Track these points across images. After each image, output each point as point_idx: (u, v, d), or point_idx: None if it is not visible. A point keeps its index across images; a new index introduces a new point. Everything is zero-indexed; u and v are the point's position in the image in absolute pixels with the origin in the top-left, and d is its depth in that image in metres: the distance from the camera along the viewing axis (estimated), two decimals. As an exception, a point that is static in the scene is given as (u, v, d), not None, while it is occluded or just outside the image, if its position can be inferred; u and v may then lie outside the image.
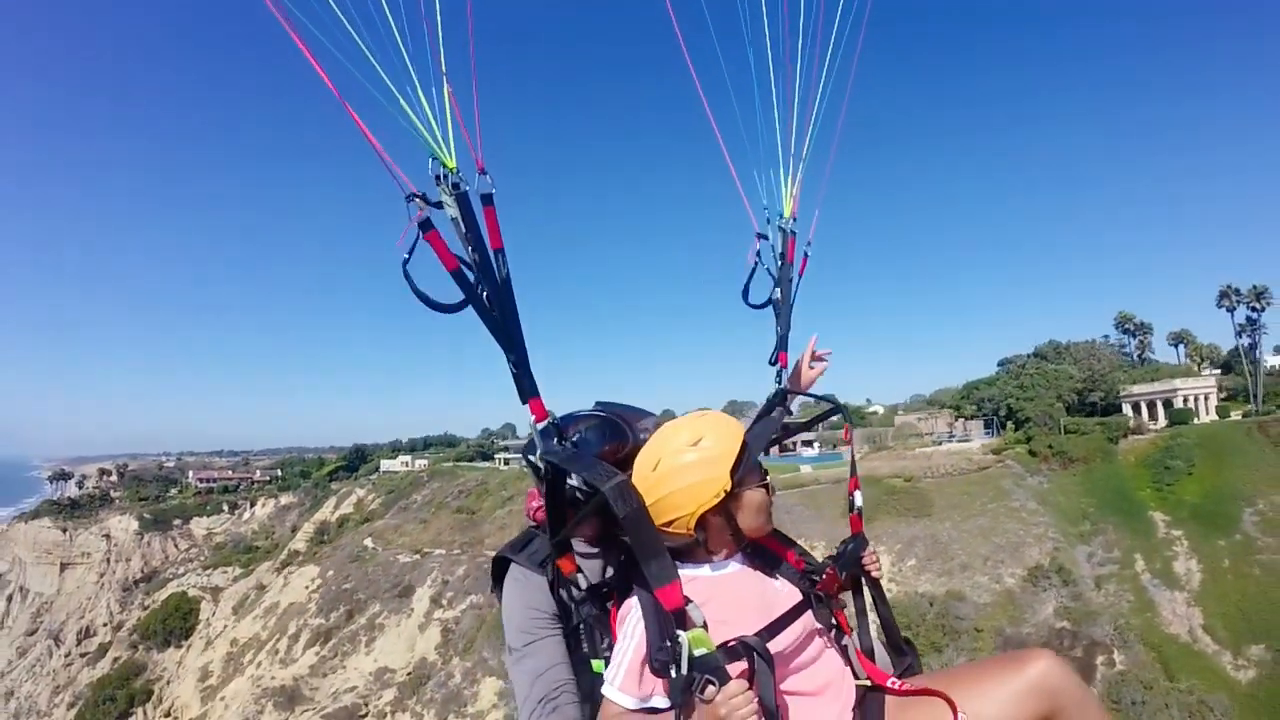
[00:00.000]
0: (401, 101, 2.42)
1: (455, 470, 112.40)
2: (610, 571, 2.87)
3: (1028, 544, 61.55)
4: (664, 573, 2.34)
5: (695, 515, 2.54)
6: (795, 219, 3.80)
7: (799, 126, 3.61)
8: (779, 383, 3.69)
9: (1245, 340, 75.83)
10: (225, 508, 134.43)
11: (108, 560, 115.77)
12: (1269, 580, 55.26)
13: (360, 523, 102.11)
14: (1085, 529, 62.71)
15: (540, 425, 2.61)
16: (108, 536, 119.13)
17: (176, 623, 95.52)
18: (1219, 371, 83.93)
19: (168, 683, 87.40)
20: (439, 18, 2.45)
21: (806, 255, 3.84)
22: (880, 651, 3.09)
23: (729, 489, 2.55)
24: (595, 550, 2.91)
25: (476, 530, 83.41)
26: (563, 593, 2.82)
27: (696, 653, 2.26)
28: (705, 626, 2.31)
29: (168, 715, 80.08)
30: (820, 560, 3.01)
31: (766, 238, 3.78)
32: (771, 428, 3.08)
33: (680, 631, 2.30)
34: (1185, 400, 71.61)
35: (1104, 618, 54.14)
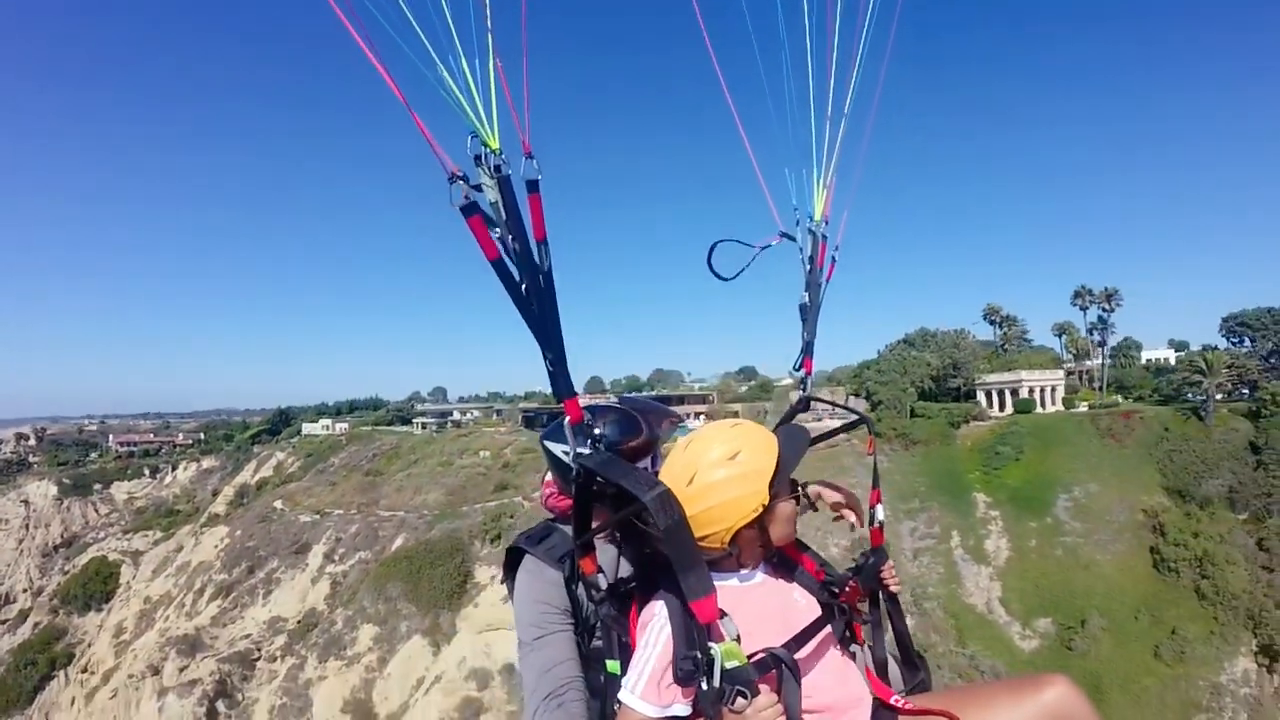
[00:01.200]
0: (443, 70, 2.26)
1: (373, 434, 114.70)
2: (628, 569, 2.85)
3: None
4: (701, 585, 2.31)
5: (732, 530, 2.49)
6: (827, 221, 3.64)
7: (834, 123, 3.42)
8: (803, 390, 3.69)
9: (1096, 337, 79.08)
10: (147, 472, 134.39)
11: (26, 526, 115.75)
12: (1068, 560, 58.63)
13: (278, 485, 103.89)
14: (914, 506, 65.51)
15: (575, 426, 2.54)
16: (26, 502, 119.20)
17: (97, 587, 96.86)
18: (1098, 363, 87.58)
19: (89, 645, 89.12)
20: None
21: (834, 260, 3.68)
22: (893, 666, 3.05)
23: (766, 504, 2.51)
24: (614, 547, 2.89)
25: (375, 492, 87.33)
26: (581, 592, 2.79)
27: (728, 665, 2.27)
28: (738, 639, 2.32)
29: (84, 671, 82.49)
30: (841, 572, 2.99)
31: (794, 239, 3.60)
32: (804, 437, 2.86)
33: (712, 644, 2.30)
34: (1031, 391, 74.82)
35: (907, 586, 56.82)
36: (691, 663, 2.30)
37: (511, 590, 3.03)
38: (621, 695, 2.47)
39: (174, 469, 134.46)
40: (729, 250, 3.36)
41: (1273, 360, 75.64)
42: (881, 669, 2.94)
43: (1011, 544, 60.76)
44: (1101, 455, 64.90)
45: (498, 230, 2.41)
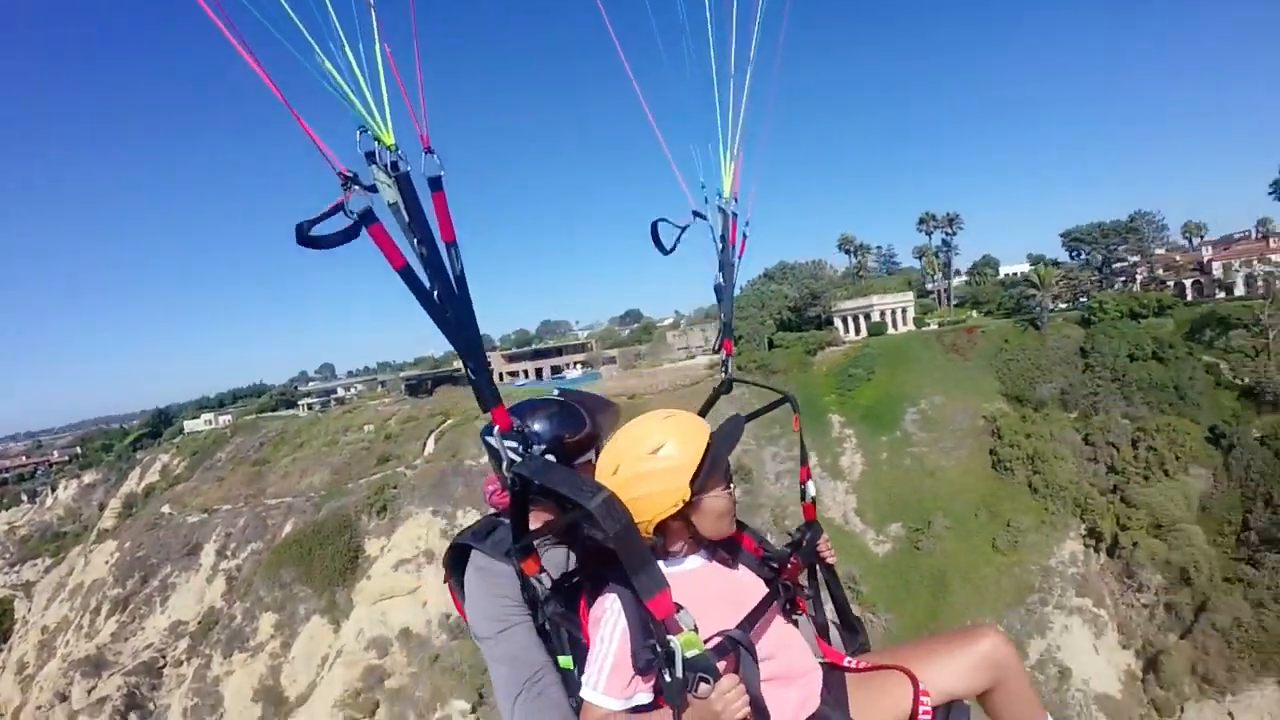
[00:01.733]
0: (323, 59, 2.05)
1: (257, 423, 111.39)
2: (573, 562, 2.84)
3: None
4: (654, 583, 2.33)
5: (653, 523, 2.52)
6: (736, 199, 3.63)
7: (736, 99, 3.37)
8: (725, 371, 3.76)
9: (942, 259, 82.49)
10: (25, 497, 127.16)
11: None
12: (916, 469, 61.46)
13: (166, 489, 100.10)
14: (775, 433, 67.10)
15: (506, 434, 2.46)
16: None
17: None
18: (960, 281, 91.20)
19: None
20: None
21: (745, 236, 3.68)
22: (833, 631, 3.18)
23: (688, 499, 2.52)
24: (557, 542, 2.86)
25: (262, 481, 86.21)
26: (526, 593, 2.76)
27: (689, 654, 2.28)
28: (695, 629, 2.34)
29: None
30: (779, 548, 3.09)
31: (705, 218, 3.61)
32: (738, 432, 2.85)
33: (671, 637, 2.31)
34: (883, 314, 77.75)
35: (767, 507, 58.41)
36: (650, 653, 2.33)
37: (457, 591, 3.01)
38: (584, 693, 2.48)
39: (53, 490, 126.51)
40: (661, 227, 3.42)
41: (1104, 271, 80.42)
42: (824, 635, 3.09)
43: (865, 459, 63.36)
44: (946, 369, 68.18)
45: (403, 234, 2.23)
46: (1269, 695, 45.65)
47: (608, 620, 2.50)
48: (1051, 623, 51.28)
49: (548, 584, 2.70)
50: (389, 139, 2.15)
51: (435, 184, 2.28)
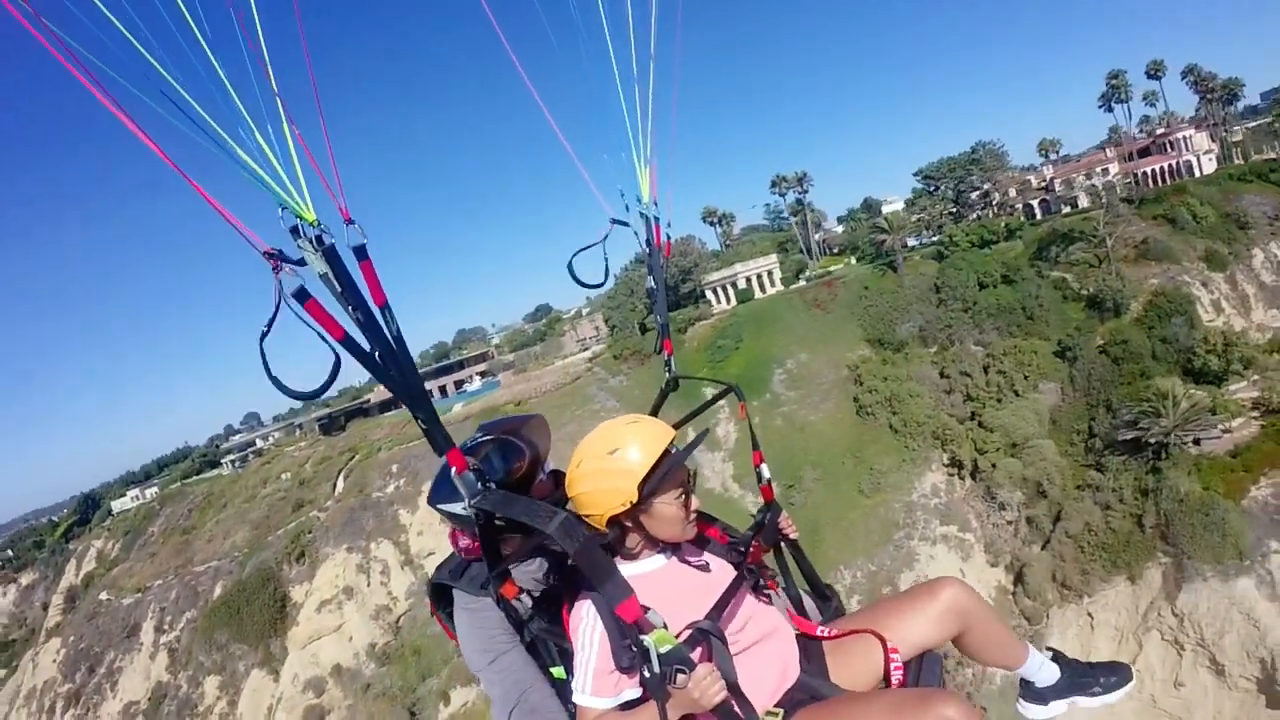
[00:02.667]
0: (235, 147, 2.10)
1: (183, 490, 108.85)
2: (543, 573, 2.99)
3: None
4: (619, 591, 2.50)
5: (603, 518, 2.66)
6: (656, 203, 3.69)
7: (643, 106, 3.42)
8: (668, 370, 3.89)
9: (798, 219, 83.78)
10: None
11: None
12: (786, 427, 62.61)
13: (104, 574, 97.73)
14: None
15: (462, 476, 2.55)
16: None
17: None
18: (836, 231, 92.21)
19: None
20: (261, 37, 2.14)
21: (669, 238, 3.77)
22: (807, 600, 3.32)
23: (635, 501, 2.63)
24: (531, 560, 2.99)
25: (189, 550, 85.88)
26: (510, 617, 2.91)
27: (662, 650, 2.44)
28: (665, 625, 2.49)
29: None
30: (743, 532, 3.22)
31: (626, 224, 3.70)
32: (696, 444, 2.84)
33: (644, 636, 2.45)
34: (749, 280, 78.70)
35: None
36: (628, 652, 2.50)
37: (446, 622, 3.18)
38: (575, 699, 2.65)
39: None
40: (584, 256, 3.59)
41: (959, 203, 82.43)
42: (799, 606, 3.24)
43: (738, 426, 64.22)
44: (810, 325, 69.55)
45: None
46: (1122, 591, 47.77)
47: (585, 626, 2.64)
48: (918, 554, 53.00)
49: (529, 603, 2.91)
50: (310, 215, 2.23)
51: (360, 253, 2.38)
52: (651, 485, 2.65)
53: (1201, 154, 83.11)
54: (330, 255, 2.24)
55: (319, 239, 2.23)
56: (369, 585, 69.01)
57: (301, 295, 2.18)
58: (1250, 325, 66.49)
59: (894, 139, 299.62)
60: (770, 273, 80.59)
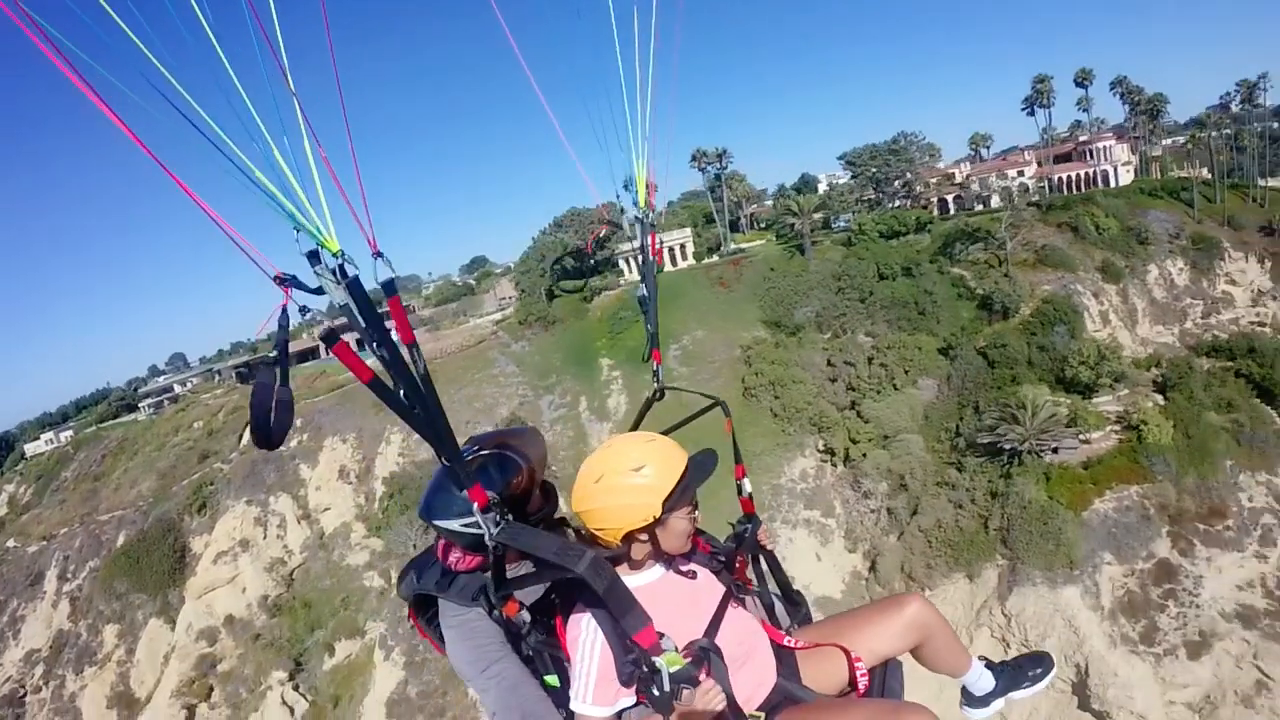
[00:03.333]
0: (257, 173, 1.98)
1: (98, 434, 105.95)
2: (528, 588, 2.99)
3: (501, 403, 67.11)
4: (639, 620, 2.65)
5: (622, 531, 2.77)
6: (653, 210, 3.73)
7: (643, 114, 3.47)
8: (656, 380, 4.01)
9: (714, 195, 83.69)
10: None
11: None
12: (673, 404, 62.59)
13: (16, 519, 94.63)
14: (551, 381, 67.92)
15: (484, 510, 2.59)
16: None
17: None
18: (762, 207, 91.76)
19: None
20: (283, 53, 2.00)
21: (662, 244, 4.64)
22: (778, 605, 3.50)
23: (658, 516, 2.77)
24: (524, 571, 3.01)
25: (96, 499, 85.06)
26: (501, 627, 2.96)
27: (672, 670, 2.60)
28: (676, 649, 2.68)
29: None
30: (724, 544, 3.43)
31: (620, 227, 3.97)
32: (712, 464, 3.02)
33: (656, 658, 2.61)
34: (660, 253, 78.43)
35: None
36: (634, 667, 2.65)
37: (428, 630, 3.25)
38: (574, 706, 2.76)
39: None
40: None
41: (879, 190, 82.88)
42: (770, 611, 3.43)
43: (629, 398, 64.78)
44: (712, 303, 69.93)
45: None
46: (960, 588, 49.69)
47: (585, 638, 2.76)
48: (778, 536, 54.12)
49: (527, 618, 2.92)
50: (335, 245, 2.11)
51: (389, 288, 2.34)
52: (672, 502, 2.81)
53: (1120, 165, 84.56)
54: (354, 287, 2.15)
55: (341, 269, 2.14)
56: (265, 538, 69.36)
57: (330, 339, 2.13)
58: (1135, 339, 68.60)
59: (845, 114, 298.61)
60: (683, 246, 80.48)
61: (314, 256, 2.11)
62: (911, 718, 2.72)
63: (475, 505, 2.60)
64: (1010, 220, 67.88)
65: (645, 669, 2.65)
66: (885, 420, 57.35)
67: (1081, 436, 54.31)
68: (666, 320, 66.19)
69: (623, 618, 2.66)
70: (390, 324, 2.33)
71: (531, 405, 66.35)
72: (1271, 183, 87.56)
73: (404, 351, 2.36)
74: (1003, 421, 51.95)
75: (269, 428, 2.17)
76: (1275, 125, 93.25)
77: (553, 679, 2.94)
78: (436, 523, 3.01)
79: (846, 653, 3.16)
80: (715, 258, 79.35)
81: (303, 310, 2.11)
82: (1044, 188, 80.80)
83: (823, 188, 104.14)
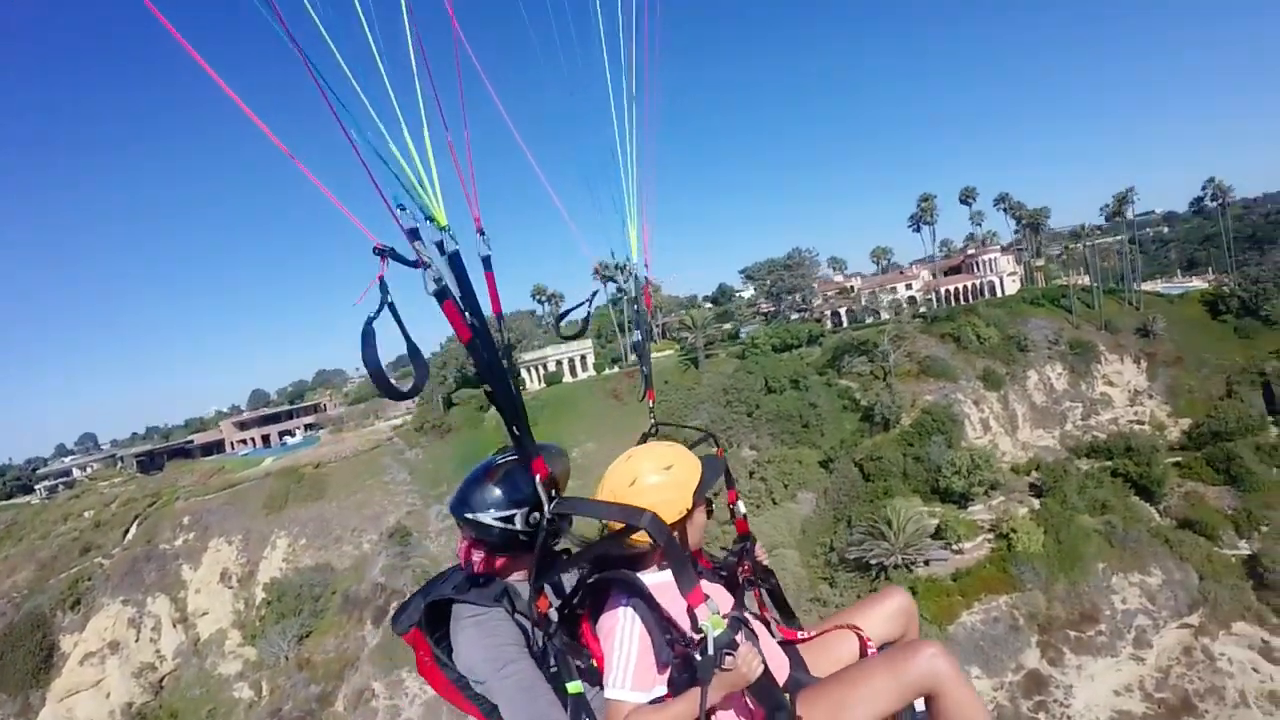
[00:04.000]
0: (391, 146, 2.20)
1: None
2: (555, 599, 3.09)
3: (389, 511, 66.64)
4: (691, 579, 2.74)
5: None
6: (647, 265, 4.08)
7: (638, 172, 3.77)
8: (652, 417, 4.17)
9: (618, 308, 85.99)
10: None
11: None
12: (664, 433, 63.19)
13: None
14: (442, 490, 67.74)
15: (545, 481, 2.77)
16: None
17: None
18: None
19: None
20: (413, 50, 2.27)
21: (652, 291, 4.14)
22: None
23: (690, 509, 3.07)
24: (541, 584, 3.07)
25: None
26: (537, 630, 2.94)
27: (716, 634, 2.69)
28: (718, 612, 2.75)
29: None
30: (723, 558, 3.68)
31: (615, 280, 4.25)
32: (721, 467, 3.38)
33: (702, 620, 2.71)
34: (559, 363, 79.92)
35: (419, 567, 59.28)
36: (668, 648, 2.81)
37: (433, 645, 3.11)
38: (609, 694, 2.82)
39: None
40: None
41: (778, 302, 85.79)
42: (780, 611, 3.68)
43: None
44: (604, 414, 70.79)
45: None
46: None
47: (623, 627, 2.88)
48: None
49: (555, 616, 2.99)
50: (443, 220, 2.31)
51: (486, 263, 2.69)
52: (698, 497, 3.09)
53: (1005, 275, 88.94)
54: (455, 260, 2.35)
55: (440, 244, 2.33)
56: (137, 641, 66.37)
57: (442, 295, 2.31)
58: (1015, 444, 70.75)
59: (765, 228, 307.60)
60: (584, 357, 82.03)
61: (413, 234, 2.30)
62: (925, 648, 3.03)
63: (538, 476, 2.79)
64: (894, 333, 70.56)
65: (685, 644, 2.79)
66: (763, 535, 57.28)
67: (954, 547, 55.25)
68: (559, 430, 66.82)
69: (679, 573, 2.78)
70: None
71: (420, 515, 65.97)
72: (1146, 286, 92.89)
73: (493, 323, 2.67)
74: (870, 536, 52.73)
75: (393, 389, 2.47)
76: (1149, 232, 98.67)
77: (576, 686, 2.90)
78: (469, 516, 3.11)
79: (857, 630, 3.42)
80: (615, 369, 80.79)
81: (383, 289, 2.26)
82: (931, 300, 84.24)
83: (748, 297, 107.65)
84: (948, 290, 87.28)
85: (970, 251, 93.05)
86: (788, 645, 3.48)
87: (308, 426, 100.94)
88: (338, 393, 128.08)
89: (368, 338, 2.23)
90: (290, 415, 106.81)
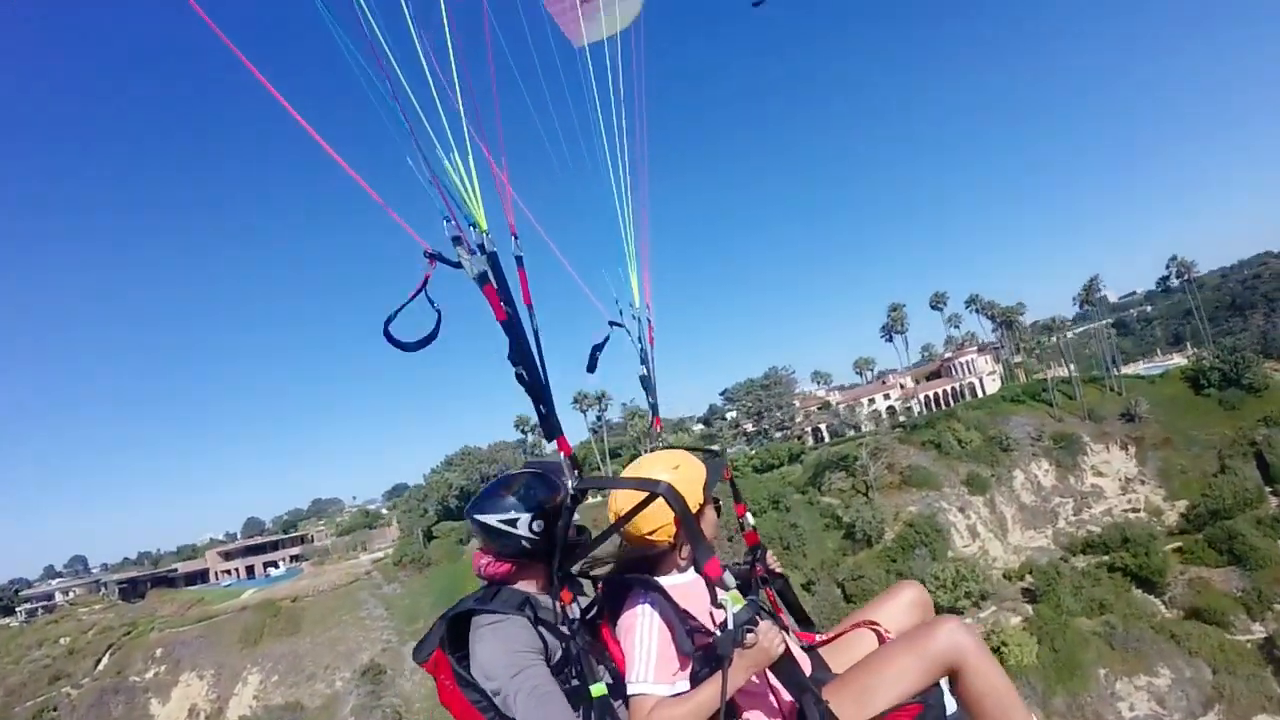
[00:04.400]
0: (446, 163, 2.62)
1: None
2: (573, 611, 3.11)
3: (363, 648, 67.77)
4: (707, 551, 2.89)
5: (673, 527, 3.02)
6: (649, 306, 4.41)
7: (637, 227, 4.25)
8: (659, 445, 4.11)
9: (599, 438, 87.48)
10: None
11: None
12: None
13: None
14: (419, 627, 67.49)
15: (569, 459, 2.94)
16: None
17: None
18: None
19: None
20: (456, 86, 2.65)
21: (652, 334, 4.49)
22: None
23: (702, 503, 3.12)
24: (534, 620, 3.11)
25: None
26: (561, 626, 3.06)
27: (735, 609, 2.78)
28: (738, 588, 2.86)
29: None
30: (738, 566, 3.72)
31: (623, 325, 4.30)
32: (722, 464, 3.45)
33: (722, 594, 2.81)
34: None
35: (390, 707, 58.40)
36: (688, 640, 2.90)
37: (460, 659, 3.11)
38: (633, 688, 2.87)
39: None
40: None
41: (758, 421, 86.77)
42: (796, 617, 3.79)
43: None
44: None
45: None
46: None
47: (642, 622, 2.95)
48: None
49: (577, 612, 3.09)
50: (484, 225, 2.74)
51: (519, 262, 3.02)
52: (707, 492, 3.21)
53: (985, 375, 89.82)
54: (494, 260, 2.76)
55: (482, 246, 2.76)
56: None
57: (483, 279, 2.74)
58: (1007, 548, 69.65)
59: (753, 346, 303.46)
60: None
61: (456, 240, 2.73)
62: (945, 624, 3.05)
63: (562, 454, 2.99)
64: (873, 445, 71.04)
65: (705, 634, 2.90)
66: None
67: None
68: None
69: (695, 545, 2.93)
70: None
71: (394, 652, 65.49)
72: (1128, 369, 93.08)
73: (523, 311, 2.96)
74: (850, 661, 51.70)
75: (400, 342, 2.77)
76: (1132, 313, 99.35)
77: (599, 688, 2.94)
78: (478, 517, 3.24)
79: (875, 627, 3.44)
80: (600, 498, 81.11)
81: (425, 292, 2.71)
82: (911, 407, 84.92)
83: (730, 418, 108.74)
84: (926, 396, 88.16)
85: (947, 355, 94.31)
86: (808, 650, 3.49)
87: (293, 558, 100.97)
88: (330, 522, 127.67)
89: (396, 314, 2.69)
90: (276, 546, 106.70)
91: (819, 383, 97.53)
